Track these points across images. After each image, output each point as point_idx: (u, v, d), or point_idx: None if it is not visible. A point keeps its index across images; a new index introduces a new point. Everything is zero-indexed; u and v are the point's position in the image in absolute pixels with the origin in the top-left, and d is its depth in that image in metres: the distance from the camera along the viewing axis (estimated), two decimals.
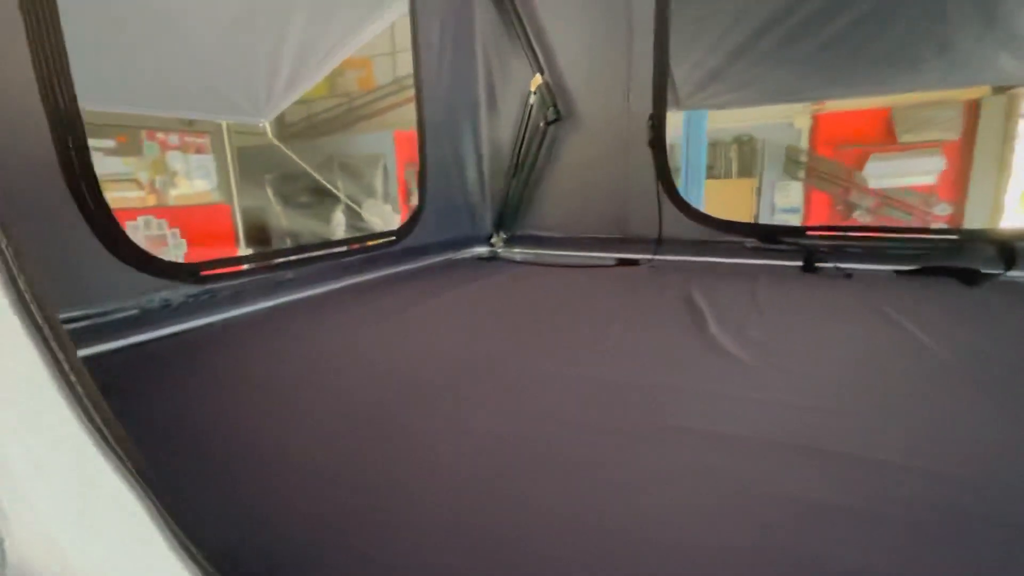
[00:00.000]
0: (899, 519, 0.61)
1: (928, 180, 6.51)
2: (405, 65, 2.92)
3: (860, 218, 6.68)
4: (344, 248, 2.05)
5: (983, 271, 1.77)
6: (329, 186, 5.56)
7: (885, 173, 6.67)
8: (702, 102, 2.77)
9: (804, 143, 7.29)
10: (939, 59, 2.20)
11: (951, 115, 6.32)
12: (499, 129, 2.61)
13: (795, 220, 7.04)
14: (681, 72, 2.64)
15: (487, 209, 2.71)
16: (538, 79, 2.36)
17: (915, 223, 5.89)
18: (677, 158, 7.81)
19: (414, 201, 2.48)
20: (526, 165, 2.50)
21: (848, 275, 1.92)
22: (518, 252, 2.66)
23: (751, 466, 0.73)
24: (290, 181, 6.09)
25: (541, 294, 1.86)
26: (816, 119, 7.12)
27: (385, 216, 5.66)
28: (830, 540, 0.58)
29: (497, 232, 2.70)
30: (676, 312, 1.51)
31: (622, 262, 2.34)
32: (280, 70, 2.45)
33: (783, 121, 7.38)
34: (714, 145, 7.85)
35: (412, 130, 2.35)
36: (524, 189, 2.56)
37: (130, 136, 4.65)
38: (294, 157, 4.14)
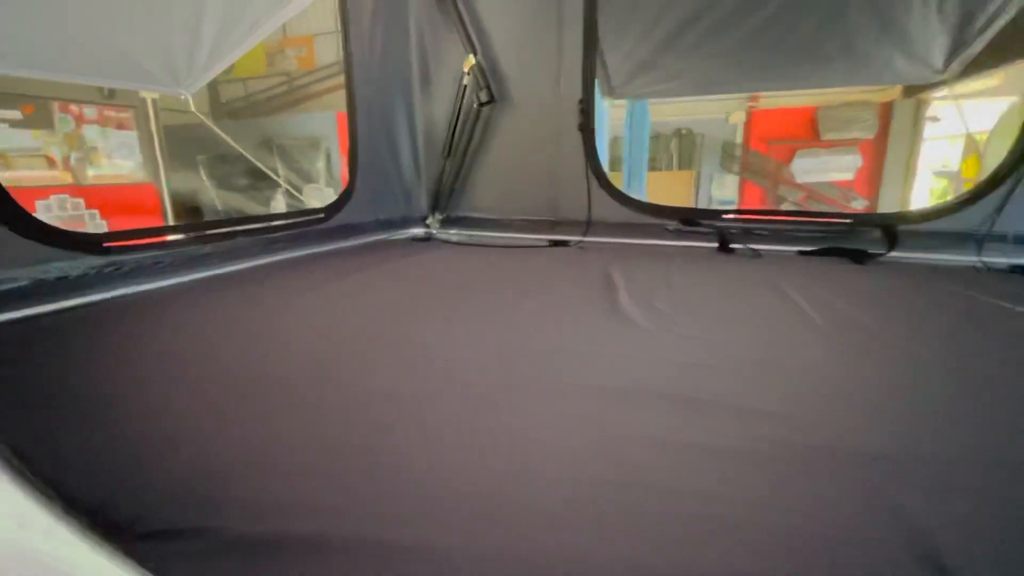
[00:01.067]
0: (751, 454, 0.68)
1: (847, 176, 7.00)
2: None
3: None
4: (267, 224, 2.00)
5: (870, 251, 1.95)
6: (267, 169, 5.34)
7: (810, 169, 7.11)
8: (634, 91, 2.88)
9: (739, 138, 7.64)
10: (844, 58, 2.38)
11: (868, 116, 6.81)
12: (433, 108, 2.60)
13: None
14: (613, 61, 2.73)
15: (422, 190, 2.71)
16: (471, 60, 2.37)
17: (818, 209, 6.34)
18: (621, 150, 8.04)
19: None
20: (460, 146, 2.51)
21: (757, 255, 2.07)
22: (454, 233, 2.68)
23: (629, 413, 0.80)
24: (226, 162, 5.79)
25: (470, 272, 1.89)
26: (750, 115, 7.48)
27: (327, 200, 5.52)
28: (688, 472, 0.64)
29: (432, 213, 2.70)
30: (593, 287, 1.57)
31: (554, 243, 2.40)
32: (201, 41, 2.34)
33: (720, 116, 7.71)
34: (656, 138, 8.11)
35: None
36: (459, 170, 2.58)
37: (39, 107, 4.29)
38: (226, 137, 3.95)
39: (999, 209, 1.83)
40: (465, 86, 2.42)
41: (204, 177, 5.86)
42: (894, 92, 6.63)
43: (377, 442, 0.71)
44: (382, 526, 0.54)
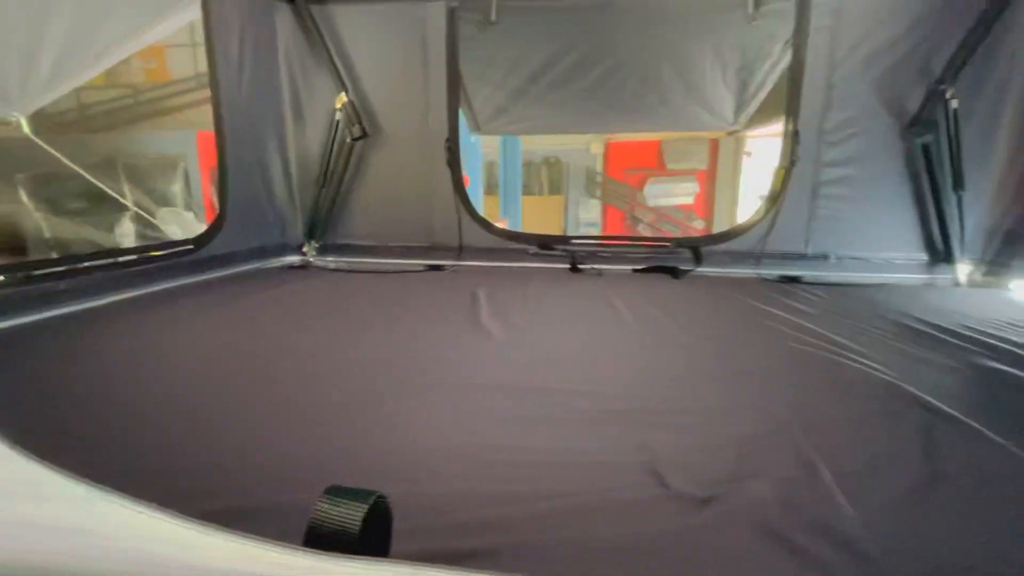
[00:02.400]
0: (567, 420, 0.94)
1: (689, 200, 8.14)
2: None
3: (643, 230, 8.07)
4: (131, 257, 1.94)
5: (683, 268, 2.43)
6: (111, 191, 4.85)
7: (659, 194, 8.15)
8: (497, 128, 3.22)
9: (599, 166, 8.51)
10: (662, 110, 2.92)
11: (701, 150, 8.01)
12: (307, 140, 2.68)
13: (595, 232, 8.19)
14: (478, 102, 3.04)
15: (298, 218, 2.75)
16: (343, 97, 2.51)
17: (654, 233, 7.38)
18: (497, 175, 8.48)
19: None
20: (335, 177, 2.63)
21: (600, 273, 2.46)
22: (331, 260, 2.76)
23: (480, 400, 1.03)
24: (55, 183, 5.12)
25: (349, 296, 2.02)
26: (607, 146, 8.37)
27: (186, 225, 5.11)
28: (521, 436, 0.88)
29: (309, 241, 2.76)
30: (460, 306, 1.80)
31: (429, 267, 2.60)
32: (40, 62, 2.20)
33: (583, 147, 8.52)
34: (528, 165, 8.72)
35: None
36: (334, 199, 2.68)
37: None
38: (57, 155, 3.58)
39: (767, 233, 2.41)
40: (338, 121, 2.55)
41: (25, 198, 5.13)
42: (720, 131, 7.89)
43: (282, 435, 0.86)
44: (286, 491, 0.70)
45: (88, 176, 4.15)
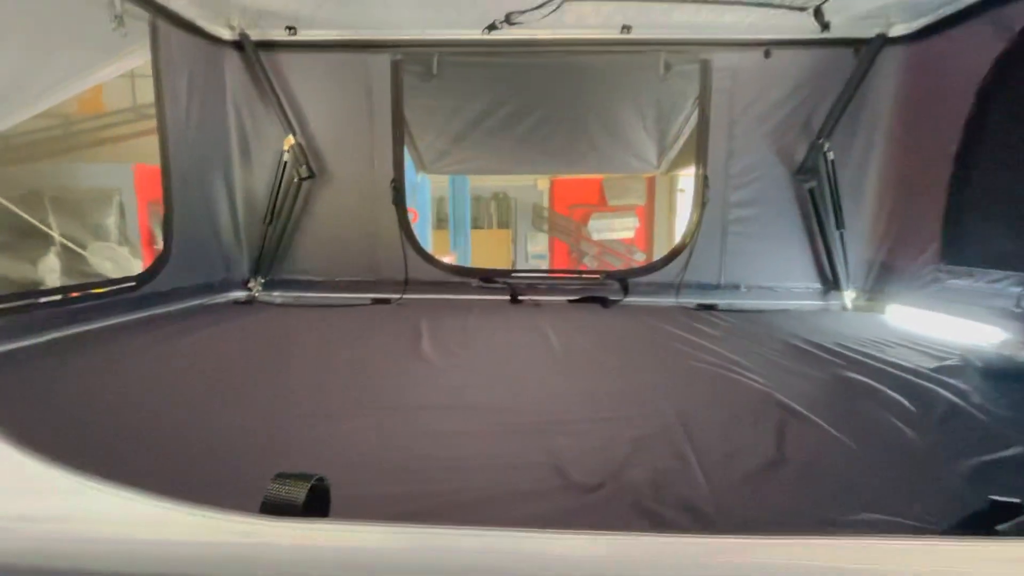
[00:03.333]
0: (488, 433, 1.09)
1: (629, 234, 8.59)
2: (146, 92, 2.79)
3: (588, 262, 8.42)
4: (63, 296, 1.95)
5: (612, 298, 2.66)
6: (38, 224, 4.66)
7: (601, 228, 8.56)
8: (441, 169, 3.41)
9: (546, 202, 8.87)
10: (592, 154, 3.20)
11: (639, 187, 8.53)
12: (254, 180, 2.77)
13: (543, 264, 8.48)
14: (423, 145, 3.24)
15: (244, 255, 2.81)
16: (291, 139, 2.63)
17: (599, 265, 7.78)
18: (447, 210, 8.67)
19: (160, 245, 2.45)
20: (282, 215, 2.72)
21: (537, 304, 2.65)
22: (277, 295, 2.81)
23: (413, 419, 1.15)
24: None
25: (295, 329, 2.10)
26: (553, 183, 8.77)
27: (119, 261, 4.94)
28: (440, 446, 1.02)
29: (255, 277, 2.81)
30: (403, 337, 1.93)
31: (376, 301, 2.71)
32: None
33: (530, 183, 8.87)
34: (478, 200, 8.98)
35: (158, 164, 2.36)
36: (281, 237, 2.76)
37: None
38: None
39: (686, 266, 2.68)
40: (286, 162, 2.66)
41: None
42: (648, 173, 8.44)
43: (223, 459, 0.95)
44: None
45: (10, 206, 3.99)
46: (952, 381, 1.42)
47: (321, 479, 0.59)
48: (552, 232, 8.98)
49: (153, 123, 2.41)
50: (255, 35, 2.59)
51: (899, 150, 2.46)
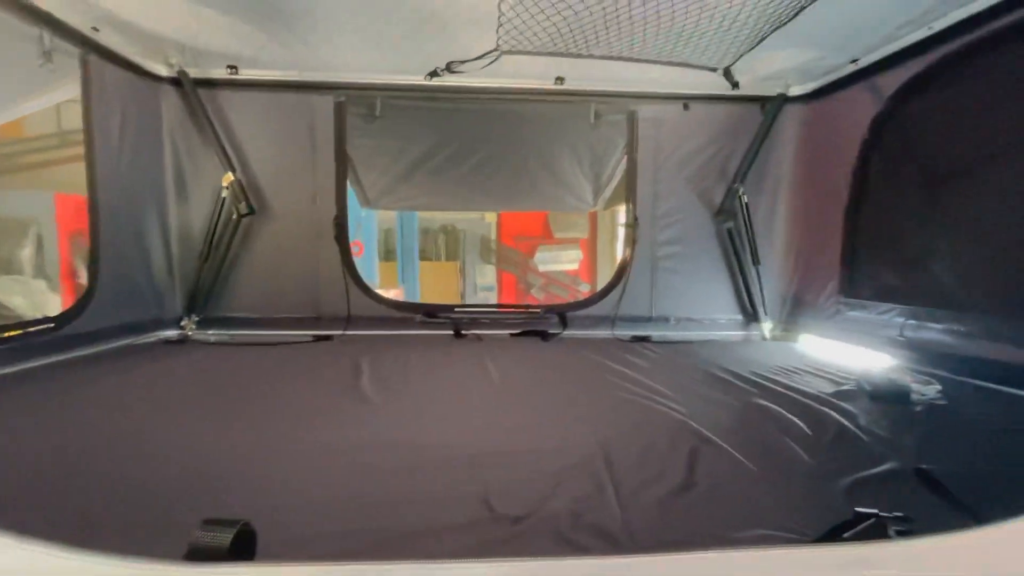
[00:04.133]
0: (417, 468, 1.12)
1: (574, 266, 8.84)
2: (73, 117, 2.68)
3: (535, 294, 8.58)
4: None
5: (551, 331, 2.76)
6: None
7: (547, 260, 8.78)
8: (386, 205, 3.46)
9: (493, 234, 9.03)
10: (532, 193, 3.35)
11: (582, 221, 8.85)
12: (190, 216, 2.72)
13: (492, 297, 8.56)
14: (367, 182, 3.28)
15: (176, 292, 2.72)
16: (230, 176, 2.62)
17: (546, 296, 7.96)
18: (395, 243, 8.64)
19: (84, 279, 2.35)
20: (219, 252, 2.67)
21: (480, 338, 2.71)
22: (212, 333, 2.73)
23: (349, 456, 1.17)
24: None
25: (226, 369, 2.05)
26: (500, 216, 8.95)
27: (34, 296, 4.61)
28: (389, 484, 1.05)
29: (189, 314, 2.72)
30: (342, 374, 1.93)
31: (317, 338, 2.68)
32: None
33: (477, 216, 9.02)
34: (426, 232, 9.02)
35: (83, 195, 2.27)
36: (218, 273, 2.70)
37: None
38: None
39: (620, 300, 2.83)
40: (224, 198, 2.63)
41: None
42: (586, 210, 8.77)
43: (168, 495, 0.94)
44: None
45: None
46: (844, 405, 1.59)
47: (247, 524, 0.62)
48: (500, 264, 9.12)
49: (78, 150, 2.33)
50: (195, 72, 2.59)
51: (802, 195, 2.75)
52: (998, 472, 1.16)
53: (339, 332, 2.73)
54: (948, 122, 2.00)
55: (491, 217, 8.85)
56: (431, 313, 2.82)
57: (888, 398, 1.66)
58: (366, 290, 2.84)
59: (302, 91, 2.68)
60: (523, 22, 2.08)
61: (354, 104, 2.76)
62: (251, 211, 2.64)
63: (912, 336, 2.08)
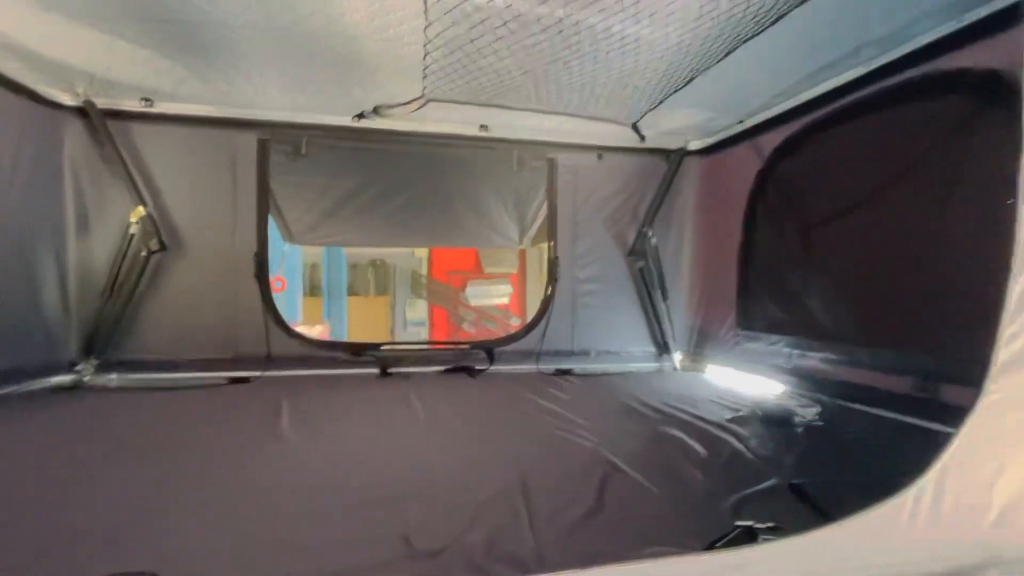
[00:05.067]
0: (338, 510, 1.13)
1: (504, 300, 8.98)
2: None
3: (467, 328, 8.60)
4: None
5: (478, 368, 2.82)
6: None
7: (478, 294, 8.86)
8: (310, 240, 3.42)
9: (424, 269, 9.00)
10: (460, 230, 3.46)
11: (512, 256, 9.06)
12: (92, 252, 2.54)
13: (423, 331, 8.47)
14: (291, 218, 3.24)
15: (73, 333, 2.51)
16: (140, 211, 2.50)
17: (477, 330, 8.05)
18: (320, 276, 8.38)
19: None
20: (125, 290, 2.51)
21: (407, 377, 2.71)
22: (114, 378, 2.54)
23: (260, 499, 1.16)
24: None
25: (129, 416, 1.92)
26: (431, 250, 8.98)
27: None
28: (307, 528, 1.04)
29: (86, 358, 2.51)
30: (260, 417, 1.87)
31: (233, 380, 2.56)
32: None
33: (408, 251, 8.98)
34: (354, 267, 8.84)
35: None
36: (123, 313, 2.53)
37: None
38: None
39: (543, 335, 2.95)
40: (133, 234, 2.50)
41: None
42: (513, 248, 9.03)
43: (69, 552, 0.88)
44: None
45: None
46: (739, 429, 1.76)
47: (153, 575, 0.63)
48: (431, 299, 9.09)
49: None
50: (104, 103, 2.48)
51: (703, 237, 3.05)
52: (854, 481, 1.34)
53: (258, 373, 2.63)
54: (814, 177, 2.34)
55: (422, 252, 8.85)
56: (356, 351, 2.79)
57: (775, 421, 1.86)
58: (287, 329, 2.77)
59: (223, 127, 2.63)
60: (447, 74, 2.21)
61: (279, 141, 2.74)
62: (163, 247, 2.52)
63: (797, 364, 2.35)
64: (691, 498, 1.25)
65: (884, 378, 1.94)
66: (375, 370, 2.77)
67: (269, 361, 2.68)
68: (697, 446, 1.58)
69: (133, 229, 2.50)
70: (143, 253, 2.51)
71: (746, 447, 1.59)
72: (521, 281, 9.18)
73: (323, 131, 2.74)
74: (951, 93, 1.77)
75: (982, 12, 1.65)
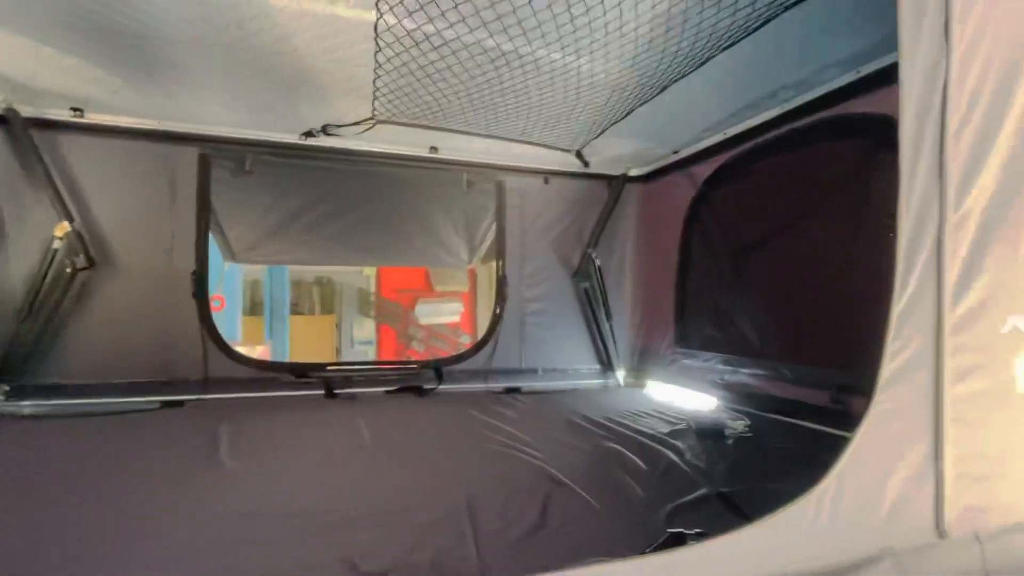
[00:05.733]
0: (279, 539, 1.11)
1: (455, 319, 8.95)
2: None
3: (416, 347, 8.49)
4: None
5: (426, 387, 2.82)
6: None
7: (428, 313, 8.79)
8: (252, 259, 3.32)
9: (373, 287, 8.84)
10: (408, 250, 3.45)
11: (462, 275, 9.07)
12: (7, 269, 2.37)
13: (371, 351, 8.29)
14: (233, 235, 3.13)
15: None
16: (66, 226, 2.36)
17: (427, 349, 7.96)
18: (262, 293, 8.07)
19: None
20: (45, 310, 2.35)
21: (353, 398, 2.67)
22: (28, 404, 2.35)
23: (201, 526, 1.12)
24: None
25: (44, 448, 1.79)
26: (380, 269, 8.84)
27: None
28: (247, 558, 1.02)
29: None
30: (196, 444, 1.80)
31: (166, 404, 2.44)
32: None
33: (356, 269, 8.81)
34: (298, 284, 8.56)
35: None
36: (42, 334, 2.37)
37: None
38: None
39: (492, 354, 3.00)
40: (56, 250, 2.35)
41: None
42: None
43: None
44: None
45: None
46: (675, 442, 1.86)
47: None
48: (379, 318, 8.94)
49: None
50: (28, 111, 2.35)
51: (643, 259, 3.21)
52: (775, 487, 1.45)
53: (195, 397, 2.51)
54: (742, 205, 2.53)
55: (370, 270, 8.71)
56: (301, 372, 2.73)
57: (708, 434, 1.98)
58: (227, 350, 2.67)
59: (161, 141, 2.54)
60: (397, 97, 2.25)
61: (221, 157, 2.68)
62: (91, 264, 2.39)
63: (730, 379, 2.50)
64: (630, 511, 1.32)
65: (805, 392, 2.11)
66: (320, 392, 2.71)
67: (207, 384, 2.57)
68: (636, 459, 1.66)
69: (57, 245, 2.36)
70: (68, 270, 2.36)
71: (681, 459, 1.68)
72: (472, 299, 9.20)
73: (269, 148, 2.70)
74: (853, 135, 1.99)
75: (876, 65, 1.87)
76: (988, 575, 0.96)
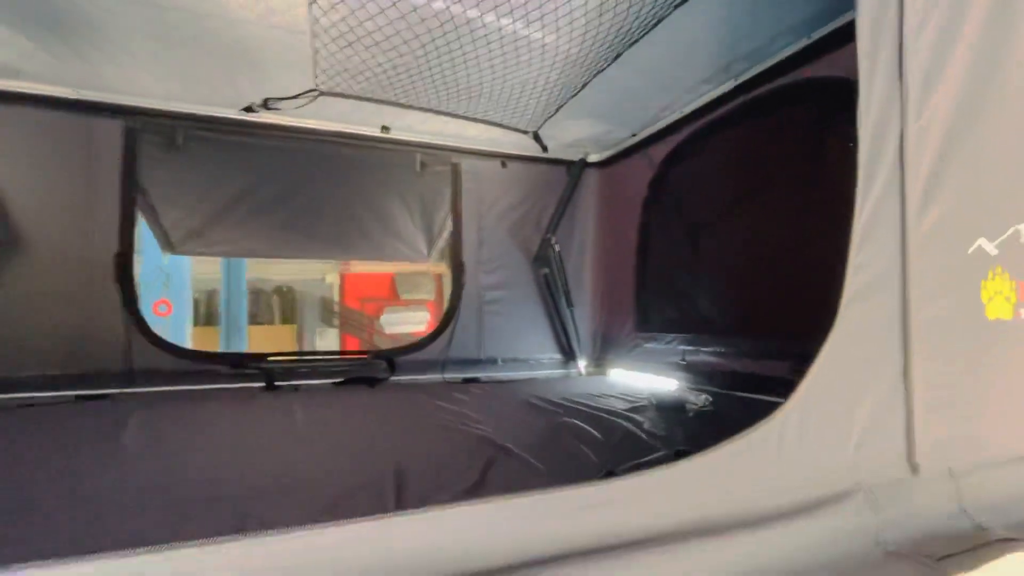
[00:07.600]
0: (171, 500, 0.94)
1: (421, 328, 8.72)
2: None
3: None
4: None
5: (379, 377, 2.64)
6: None
7: (394, 322, 8.53)
8: (192, 250, 3.08)
9: (336, 296, 8.55)
10: (362, 240, 3.28)
11: (428, 282, 8.88)
12: None
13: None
14: (168, 222, 2.90)
15: None
16: None
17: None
18: (217, 303, 7.69)
19: None
20: None
21: (296, 389, 2.47)
22: None
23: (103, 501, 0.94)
24: None
25: None
26: (343, 277, 8.57)
27: None
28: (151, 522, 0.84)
29: None
30: (97, 432, 1.59)
31: (80, 398, 2.20)
32: None
33: (317, 277, 8.51)
34: (257, 294, 8.20)
35: None
36: None
37: None
38: None
39: (449, 344, 2.85)
40: None
41: None
42: (442, 267, 8.90)
43: None
44: None
45: None
46: (635, 416, 1.75)
47: None
48: (343, 327, 8.63)
49: None
50: None
51: (603, 245, 3.14)
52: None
53: (117, 391, 2.28)
54: (699, 183, 2.48)
55: (332, 278, 8.44)
56: (238, 363, 2.52)
57: (669, 408, 1.88)
58: (155, 340, 2.44)
59: (79, 112, 2.33)
60: (343, 68, 2.13)
61: (150, 131, 2.48)
62: None
63: (691, 359, 2.42)
64: (578, 471, 1.19)
65: (767, 364, 2.04)
66: (261, 384, 2.50)
67: (132, 376, 2.34)
68: (592, 431, 1.54)
69: None
70: None
71: (640, 430, 1.57)
72: (439, 308, 8.99)
73: (204, 123, 2.52)
74: (806, 101, 1.96)
75: (828, 28, 1.85)
76: (964, 512, 0.87)
